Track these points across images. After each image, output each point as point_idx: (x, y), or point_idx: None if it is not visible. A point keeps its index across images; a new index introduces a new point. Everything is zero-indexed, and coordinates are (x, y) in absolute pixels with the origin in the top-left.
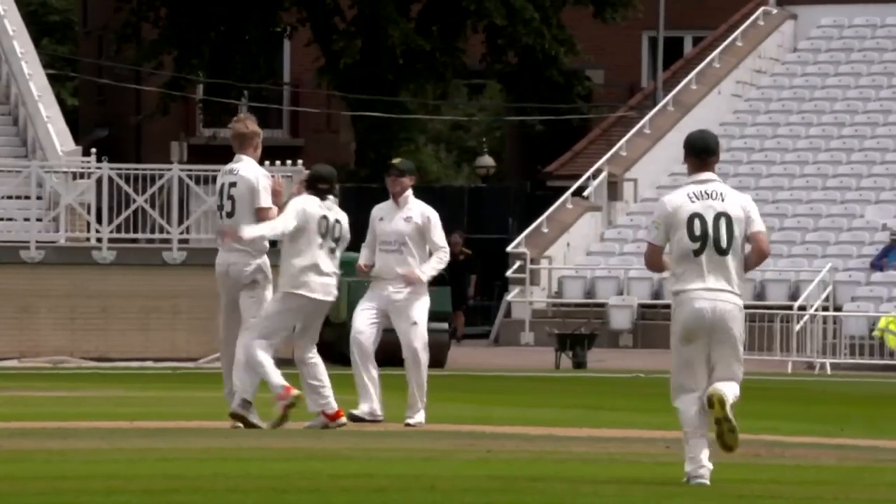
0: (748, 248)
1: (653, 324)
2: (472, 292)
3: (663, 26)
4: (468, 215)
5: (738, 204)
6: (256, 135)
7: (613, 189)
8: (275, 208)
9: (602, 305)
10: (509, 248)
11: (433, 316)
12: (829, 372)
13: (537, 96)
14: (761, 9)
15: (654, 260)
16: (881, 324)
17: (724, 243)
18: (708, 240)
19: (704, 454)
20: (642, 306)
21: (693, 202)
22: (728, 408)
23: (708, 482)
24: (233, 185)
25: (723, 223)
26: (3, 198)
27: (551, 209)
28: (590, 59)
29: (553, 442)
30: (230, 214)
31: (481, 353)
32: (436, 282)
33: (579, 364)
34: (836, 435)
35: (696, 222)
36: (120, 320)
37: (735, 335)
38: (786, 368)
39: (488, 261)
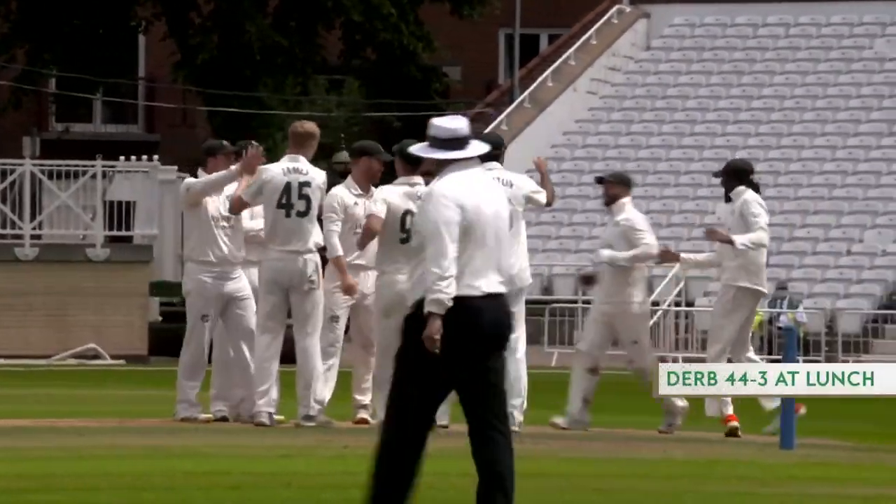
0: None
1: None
2: None
3: (519, 24)
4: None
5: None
6: (312, 136)
7: None
8: None
9: None
10: None
11: None
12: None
13: (396, 92)
14: (615, 7)
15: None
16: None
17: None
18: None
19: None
20: None
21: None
22: None
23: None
24: (305, 184)
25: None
26: None
27: None
28: (447, 56)
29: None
30: (303, 214)
31: None
32: None
33: None
34: (673, 428)
35: (408, 218)
36: None
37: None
38: None
39: None
